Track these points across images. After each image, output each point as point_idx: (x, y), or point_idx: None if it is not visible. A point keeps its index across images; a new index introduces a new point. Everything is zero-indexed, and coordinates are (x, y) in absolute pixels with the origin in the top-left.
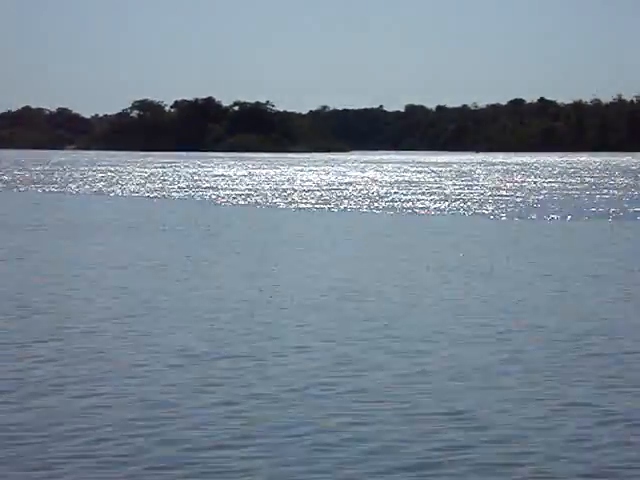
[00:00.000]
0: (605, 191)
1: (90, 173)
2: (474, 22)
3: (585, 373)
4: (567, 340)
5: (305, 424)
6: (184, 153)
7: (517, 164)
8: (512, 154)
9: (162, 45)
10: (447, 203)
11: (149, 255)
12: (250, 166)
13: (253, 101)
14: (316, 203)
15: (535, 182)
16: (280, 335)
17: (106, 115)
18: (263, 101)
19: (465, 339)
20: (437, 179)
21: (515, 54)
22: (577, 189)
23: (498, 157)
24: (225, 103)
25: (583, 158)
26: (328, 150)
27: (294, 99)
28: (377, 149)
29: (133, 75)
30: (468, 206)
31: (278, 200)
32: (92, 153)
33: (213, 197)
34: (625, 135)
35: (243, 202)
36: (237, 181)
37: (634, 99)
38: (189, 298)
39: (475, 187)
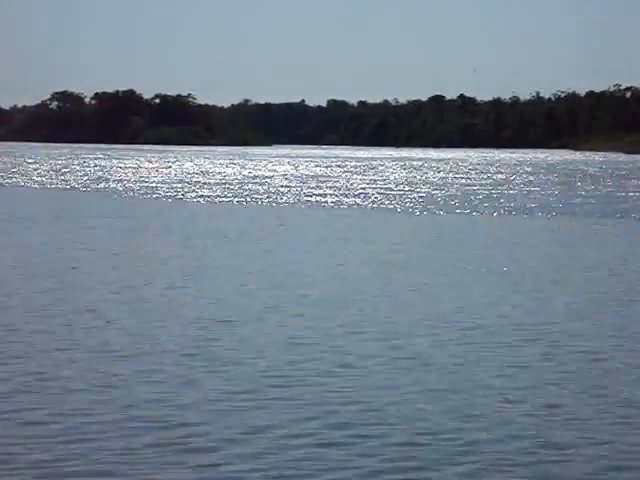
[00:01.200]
0: (507, 186)
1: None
2: (395, 19)
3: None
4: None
5: None
6: (103, 145)
7: (433, 160)
8: (431, 150)
9: (83, 35)
10: (353, 197)
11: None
12: (166, 159)
13: (174, 94)
14: (223, 196)
15: (443, 177)
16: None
17: (25, 106)
18: (184, 94)
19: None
20: (349, 174)
21: (435, 51)
22: (486, 185)
23: (418, 153)
24: (146, 95)
25: (500, 154)
26: (249, 144)
27: (216, 92)
28: (299, 143)
29: (53, 66)
30: (372, 200)
31: (185, 193)
32: (9, 144)
33: (120, 189)
34: (543, 132)
35: (152, 195)
36: (149, 174)
37: (552, 96)
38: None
39: (383, 182)
